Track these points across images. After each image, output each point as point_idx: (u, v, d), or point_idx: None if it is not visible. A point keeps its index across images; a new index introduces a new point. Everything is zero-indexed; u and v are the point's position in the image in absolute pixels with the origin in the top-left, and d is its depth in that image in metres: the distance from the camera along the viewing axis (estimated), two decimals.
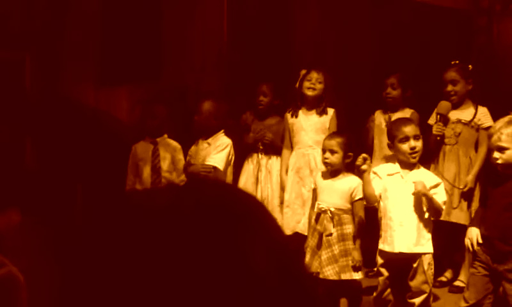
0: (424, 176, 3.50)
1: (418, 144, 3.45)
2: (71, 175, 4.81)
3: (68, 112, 5.07)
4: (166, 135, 4.39)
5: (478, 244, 3.24)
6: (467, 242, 3.27)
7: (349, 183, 3.68)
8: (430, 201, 3.37)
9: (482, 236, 3.27)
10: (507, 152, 3.13)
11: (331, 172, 3.73)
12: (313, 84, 4.15)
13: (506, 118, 3.26)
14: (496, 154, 3.16)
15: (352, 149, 3.69)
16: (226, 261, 0.53)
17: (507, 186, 3.20)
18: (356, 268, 3.65)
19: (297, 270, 0.58)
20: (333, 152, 3.67)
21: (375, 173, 3.57)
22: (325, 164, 3.74)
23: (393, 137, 3.50)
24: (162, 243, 0.53)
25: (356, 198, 3.66)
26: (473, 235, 3.24)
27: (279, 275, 0.55)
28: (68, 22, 5.38)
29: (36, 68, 5.20)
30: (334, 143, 3.68)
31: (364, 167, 3.43)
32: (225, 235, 0.55)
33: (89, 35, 5.47)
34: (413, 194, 3.38)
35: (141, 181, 4.33)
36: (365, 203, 3.69)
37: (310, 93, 4.16)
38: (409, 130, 3.46)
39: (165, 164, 4.35)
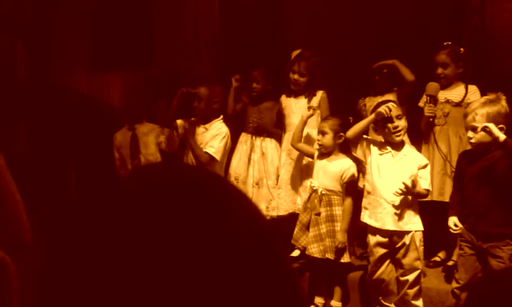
0: (413, 157, 3.53)
1: (401, 122, 3.49)
2: (64, 161, 4.81)
3: (60, 98, 5.05)
4: (144, 120, 4.36)
5: (462, 224, 3.33)
6: (451, 230, 3.38)
7: (340, 165, 3.74)
8: (416, 195, 3.47)
9: (464, 216, 3.32)
10: (481, 132, 3.18)
11: (325, 153, 3.79)
12: (295, 80, 4.16)
13: (482, 99, 3.31)
14: (470, 133, 3.23)
15: (344, 130, 3.73)
16: (203, 245, 0.54)
17: (481, 163, 3.26)
18: (339, 250, 3.68)
19: (277, 255, 0.59)
20: (324, 134, 3.76)
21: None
22: (318, 145, 3.81)
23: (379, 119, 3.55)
24: (147, 228, 0.54)
25: (346, 180, 3.72)
26: (451, 224, 3.35)
27: (257, 260, 0.56)
28: (59, 8, 5.35)
29: (27, 54, 5.17)
30: (325, 125, 3.78)
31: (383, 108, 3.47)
32: (202, 219, 0.55)
33: (81, 21, 5.45)
34: (398, 194, 3.42)
35: (125, 168, 4.33)
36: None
37: (294, 87, 4.19)
38: (392, 110, 3.50)
39: (150, 148, 4.33)
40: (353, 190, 3.75)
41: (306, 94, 4.20)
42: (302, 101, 4.21)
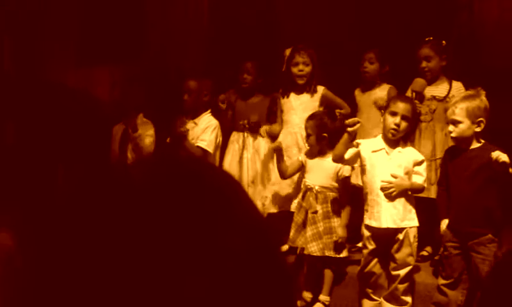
0: (408, 153, 3.53)
1: (403, 124, 3.45)
2: (51, 155, 4.77)
3: (48, 92, 5.01)
4: (141, 115, 4.35)
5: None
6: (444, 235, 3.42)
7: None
8: (410, 188, 3.46)
9: (450, 213, 3.38)
10: (460, 126, 3.24)
11: (315, 151, 3.79)
12: (301, 70, 4.11)
13: (462, 93, 3.40)
14: (450, 127, 3.28)
15: (326, 129, 3.71)
16: (198, 237, 0.53)
17: (465, 159, 3.31)
18: (338, 246, 3.69)
19: (271, 248, 0.58)
20: (308, 134, 3.78)
21: (358, 144, 3.58)
22: (308, 144, 3.86)
23: (387, 106, 3.54)
24: (138, 219, 0.53)
25: (343, 177, 3.73)
26: (444, 226, 3.41)
27: (252, 253, 0.55)
28: (47, 1, 5.30)
29: (14, 48, 5.12)
30: (308, 126, 3.80)
31: (350, 129, 3.45)
32: (199, 211, 0.54)
33: (69, 14, 5.40)
34: (393, 194, 3.42)
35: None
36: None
37: (300, 81, 4.13)
38: (401, 107, 3.46)
39: (144, 143, 4.31)
40: (349, 186, 3.76)
41: (308, 89, 4.16)
42: (303, 98, 4.16)
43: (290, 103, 4.17)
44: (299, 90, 4.17)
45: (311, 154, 3.84)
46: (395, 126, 3.43)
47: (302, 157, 3.90)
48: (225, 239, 0.54)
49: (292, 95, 4.18)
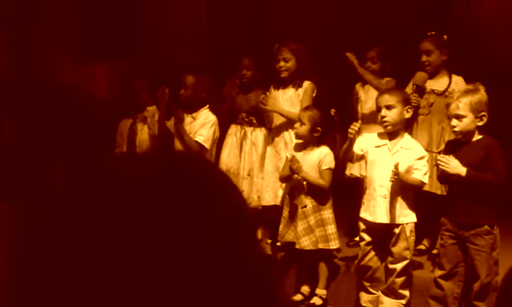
0: (410, 149, 3.52)
1: (389, 113, 3.47)
2: (49, 153, 4.78)
3: (45, 90, 5.02)
4: (146, 108, 4.35)
5: (444, 212, 3.39)
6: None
7: (318, 154, 3.76)
8: (406, 183, 3.45)
9: (448, 205, 3.39)
10: (464, 120, 3.27)
11: (302, 144, 3.79)
12: (280, 66, 4.15)
13: (463, 88, 3.44)
14: (454, 122, 3.30)
15: (322, 124, 3.72)
16: (184, 228, 0.55)
17: (466, 152, 3.32)
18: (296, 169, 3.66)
19: (252, 242, 0.60)
20: (301, 123, 3.75)
21: (362, 136, 3.61)
22: (295, 134, 3.83)
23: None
24: (131, 214, 0.54)
25: (323, 168, 3.73)
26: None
27: (234, 245, 0.57)
28: None
29: (12, 46, 5.13)
30: (304, 115, 3.77)
31: (351, 134, 3.48)
32: (188, 205, 0.56)
33: (67, 11, 5.41)
34: (390, 180, 3.42)
35: None
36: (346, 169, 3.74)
37: (282, 75, 4.18)
38: (381, 99, 3.51)
39: (142, 136, 4.32)
40: (331, 177, 3.75)
41: (293, 84, 4.19)
42: (289, 92, 4.20)
43: (278, 99, 4.20)
44: (285, 85, 4.21)
45: (297, 147, 3.84)
46: (382, 119, 3.47)
47: (289, 153, 3.90)
48: (208, 231, 0.56)
49: (280, 90, 4.23)
